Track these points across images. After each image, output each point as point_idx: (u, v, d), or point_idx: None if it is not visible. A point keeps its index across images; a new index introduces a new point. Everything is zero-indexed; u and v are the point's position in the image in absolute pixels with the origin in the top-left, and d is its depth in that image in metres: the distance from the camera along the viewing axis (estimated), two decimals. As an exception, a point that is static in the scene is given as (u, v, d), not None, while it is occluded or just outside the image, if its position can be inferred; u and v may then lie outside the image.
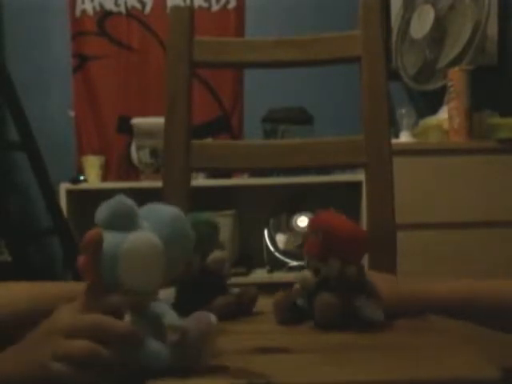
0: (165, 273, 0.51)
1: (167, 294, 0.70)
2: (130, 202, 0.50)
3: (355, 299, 0.65)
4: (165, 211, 0.52)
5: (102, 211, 0.49)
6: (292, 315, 0.69)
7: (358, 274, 0.66)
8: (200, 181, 1.97)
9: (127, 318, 0.48)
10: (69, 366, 0.45)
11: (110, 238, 0.47)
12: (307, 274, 0.67)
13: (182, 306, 0.55)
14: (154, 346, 0.48)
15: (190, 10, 0.95)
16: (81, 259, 0.47)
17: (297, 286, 0.69)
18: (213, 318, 0.49)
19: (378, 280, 0.69)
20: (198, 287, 0.71)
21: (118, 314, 0.47)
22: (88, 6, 2.25)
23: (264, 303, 0.76)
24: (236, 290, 0.75)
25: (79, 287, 0.50)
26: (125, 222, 0.48)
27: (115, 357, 0.45)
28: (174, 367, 0.48)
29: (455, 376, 0.49)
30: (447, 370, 0.51)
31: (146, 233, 0.49)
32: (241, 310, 0.73)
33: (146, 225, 0.50)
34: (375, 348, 0.58)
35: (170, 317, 0.49)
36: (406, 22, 2.18)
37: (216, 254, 0.71)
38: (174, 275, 0.53)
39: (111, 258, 0.47)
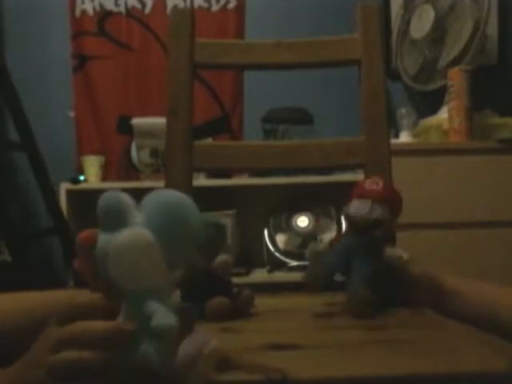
0: (164, 267, 0.47)
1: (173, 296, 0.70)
2: (118, 197, 0.47)
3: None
4: (161, 198, 0.48)
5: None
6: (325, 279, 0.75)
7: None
8: (200, 181, 1.96)
9: (120, 319, 0.46)
10: (55, 382, 0.42)
11: (101, 237, 0.47)
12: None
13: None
14: (145, 347, 0.45)
15: (191, 12, 0.95)
16: (77, 260, 0.47)
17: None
18: (212, 342, 0.47)
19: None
20: (200, 288, 0.71)
21: (112, 316, 0.46)
22: (88, 6, 2.25)
23: (262, 303, 0.76)
24: (234, 291, 0.75)
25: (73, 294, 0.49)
26: (113, 220, 0.46)
27: (104, 361, 0.44)
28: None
29: (468, 370, 0.49)
30: (460, 364, 0.51)
31: (134, 229, 0.47)
32: (237, 311, 0.73)
33: (139, 218, 0.47)
34: (387, 343, 0.58)
35: (159, 317, 0.45)
36: (405, 22, 2.18)
37: (222, 257, 0.72)
38: (179, 267, 0.49)
39: (102, 258, 0.46)
